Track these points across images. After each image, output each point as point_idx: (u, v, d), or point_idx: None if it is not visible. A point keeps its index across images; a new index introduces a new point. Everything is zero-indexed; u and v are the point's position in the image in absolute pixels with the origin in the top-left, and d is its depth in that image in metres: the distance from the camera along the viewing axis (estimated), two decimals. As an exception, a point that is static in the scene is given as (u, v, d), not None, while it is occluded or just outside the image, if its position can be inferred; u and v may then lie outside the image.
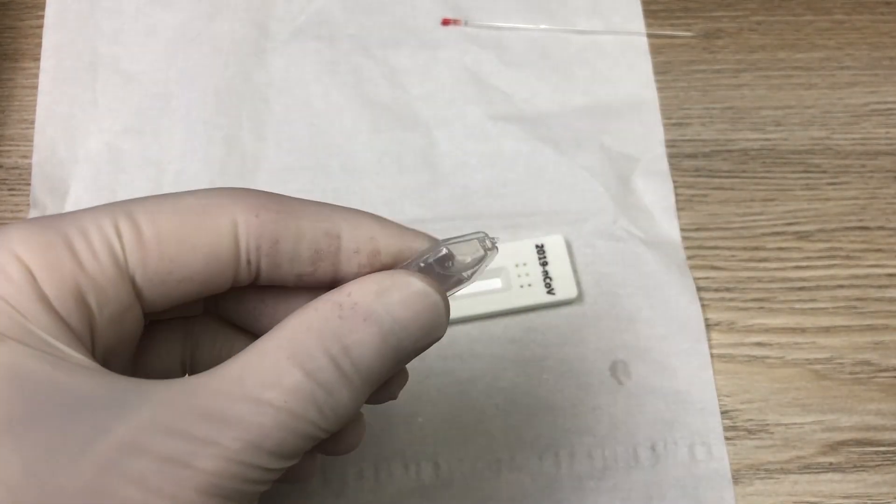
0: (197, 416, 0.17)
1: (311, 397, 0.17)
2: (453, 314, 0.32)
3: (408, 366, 0.32)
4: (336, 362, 0.18)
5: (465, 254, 0.20)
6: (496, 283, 0.34)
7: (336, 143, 0.37)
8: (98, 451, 0.16)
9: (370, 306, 0.18)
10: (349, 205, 0.34)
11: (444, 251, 0.20)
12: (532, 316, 0.34)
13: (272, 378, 0.17)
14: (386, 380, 0.19)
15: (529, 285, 0.34)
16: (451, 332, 0.34)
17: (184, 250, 0.19)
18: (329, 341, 0.18)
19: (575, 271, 0.34)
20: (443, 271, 0.20)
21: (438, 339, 0.20)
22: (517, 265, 0.34)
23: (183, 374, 0.23)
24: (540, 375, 0.33)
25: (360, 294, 0.18)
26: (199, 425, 0.17)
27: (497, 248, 0.21)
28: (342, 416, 0.18)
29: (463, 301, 0.33)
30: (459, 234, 0.34)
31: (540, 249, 0.34)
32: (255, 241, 0.19)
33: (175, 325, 0.23)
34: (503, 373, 0.33)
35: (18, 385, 0.17)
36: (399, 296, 0.19)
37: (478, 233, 0.21)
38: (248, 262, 0.19)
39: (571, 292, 0.33)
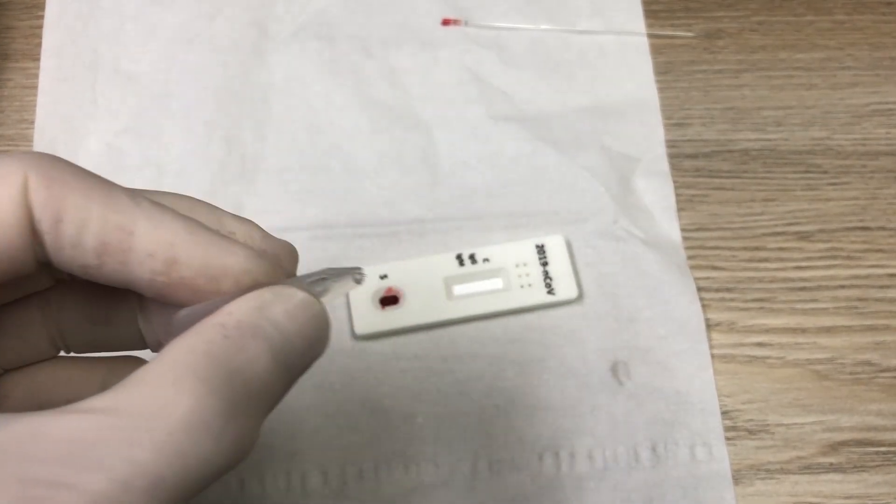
0: (52, 456, 0.14)
1: (203, 427, 0.15)
2: (454, 313, 0.33)
3: (408, 366, 0.32)
4: (228, 385, 0.16)
5: (339, 286, 0.20)
6: (497, 283, 0.34)
7: (336, 143, 0.37)
8: None
9: (255, 322, 0.17)
10: (349, 206, 0.36)
11: (325, 281, 0.19)
12: (532, 316, 0.34)
13: (155, 408, 0.15)
14: (285, 395, 0.18)
15: (530, 285, 0.34)
16: (451, 332, 0.34)
17: None
18: (217, 363, 0.16)
19: (575, 271, 0.34)
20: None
21: (324, 350, 0.19)
22: (517, 265, 0.34)
23: (57, 353, 0.21)
24: (540, 375, 0.33)
25: (242, 311, 0.17)
26: (52, 466, 0.14)
27: (361, 284, 0.21)
28: (240, 447, 0.16)
29: (463, 301, 0.34)
30: (458, 232, 0.35)
31: (540, 249, 0.34)
32: (39, 215, 0.17)
33: (28, 305, 0.21)
34: (503, 373, 0.33)
35: None
36: (283, 308, 0.17)
37: (356, 268, 0.20)
38: (36, 235, 0.17)
39: (572, 293, 0.33)
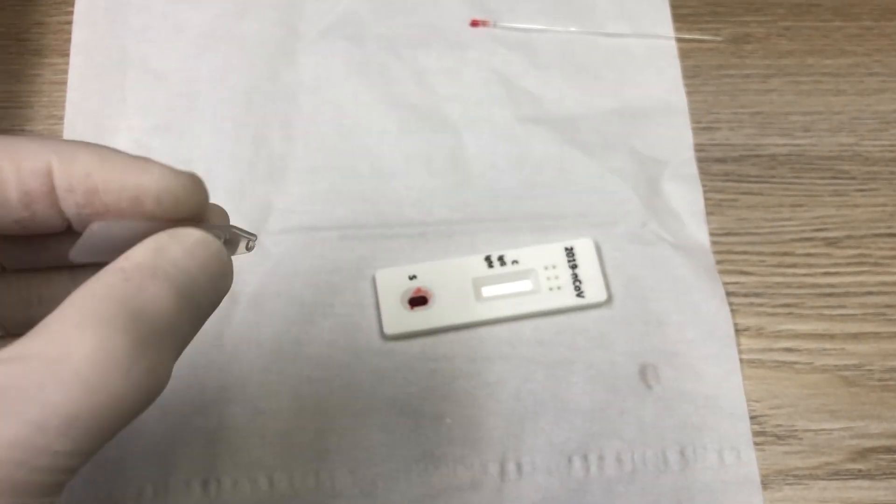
0: None
1: (111, 364, 0.16)
2: (483, 315, 0.33)
3: (437, 366, 0.33)
4: (132, 323, 0.16)
5: (234, 244, 0.20)
6: (526, 285, 0.34)
7: (364, 143, 0.37)
8: None
9: (153, 263, 0.17)
10: (377, 206, 0.36)
11: (229, 234, 0.20)
12: (561, 318, 0.34)
13: (59, 350, 0.15)
14: (194, 334, 0.18)
15: (559, 288, 0.34)
16: (480, 333, 0.34)
17: None
18: (119, 303, 0.16)
19: (604, 274, 0.34)
20: None
21: (228, 289, 0.19)
22: (546, 268, 0.34)
23: None
24: (569, 378, 0.33)
25: (140, 255, 0.17)
26: None
27: (251, 250, 0.21)
28: (153, 383, 0.16)
29: (492, 303, 0.34)
30: (486, 234, 0.35)
31: (569, 252, 0.34)
32: None
33: None
34: (532, 375, 0.33)
35: None
36: (181, 247, 0.18)
37: (252, 235, 0.21)
38: None
39: (601, 295, 0.34)
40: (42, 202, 0.18)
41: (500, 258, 0.34)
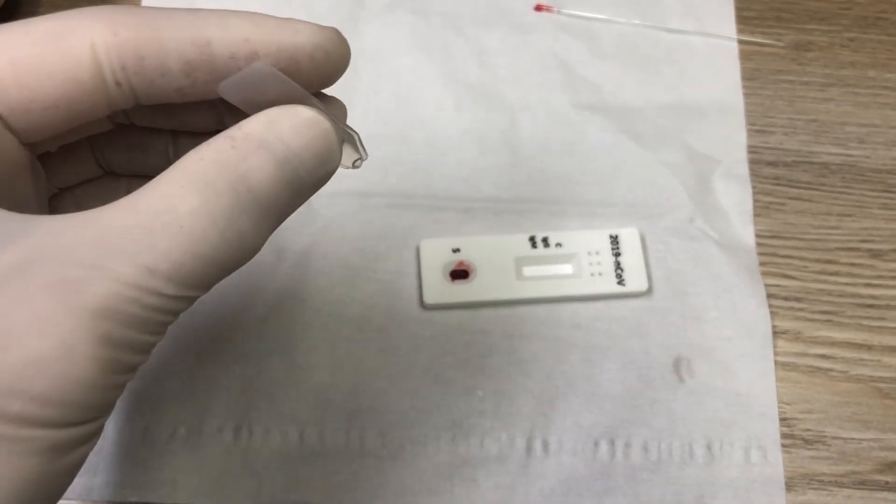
0: (87, 244, 0.16)
1: (210, 221, 0.17)
2: (523, 294, 0.35)
3: (472, 339, 0.33)
4: (233, 188, 0.18)
5: (350, 145, 0.21)
6: (567, 268, 0.34)
7: (421, 116, 0.38)
8: None
9: (261, 135, 0.18)
10: (428, 178, 0.37)
11: (342, 132, 0.20)
12: (600, 305, 0.34)
13: (166, 205, 0.17)
14: (292, 211, 0.19)
15: (600, 274, 0.34)
16: (518, 311, 0.34)
17: (41, 77, 0.18)
18: (223, 169, 0.18)
19: (647, 265, 0.34)
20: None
21: (333, 170, 0.20)
22: (589, 253, 0.34)
23: (103, 174, 0.24)
24: (603, 363, 0.33)
25: (251, 126, 0.18)
26: (88, 252, 0.16)
27: (357, 167, 0.22)
28: (247, 245, 0.18)
29: (532, 283, 0.34)
30: (533, 215, 0.35)
31: (614, 240, 0.34)
32: (119, 61, 0.18)
33: (84, 148, 0.23)
34: (566, 356, 0.33)
35: None
36: (289, 124, 0.19)
37: (363, 148, 0.21)
38: (118, 83, 0.18)
39: (642, 285, 0.34)
40: (203, 70, 0.19)
41: (545, 240, 0.34)
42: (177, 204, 0.17)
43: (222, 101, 0.19)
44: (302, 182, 0.19)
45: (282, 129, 0.18)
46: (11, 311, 0.16)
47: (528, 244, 0.34)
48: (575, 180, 0.36)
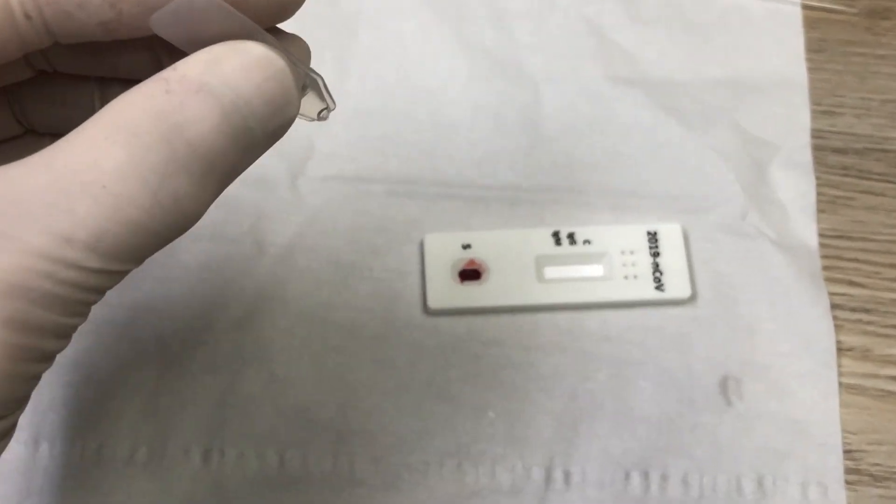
0: None
1: (139, 181, 0.17)
2: (544, 298, 0.34)
3: (483, 351, 0.34)
4: (167, 141, 0.17)
5: (315, 92, 0.21)
6: (597, 269, 0.34)
7: (427, 88, 0.38)
8: None
9: (201, 77, 0.18)
10: (434, 161, 0.37)
11: (302, 75, 0.20)
12: (634, 313, 0.34)
13: (87, 160, 0.17)
14: (240, 171, 0.19)
15: (635, 277, 0.34)
16: (538, 319, 0.34)
17: None
18: (156, 118, 0.17)
19: (690, 267, 0.35)
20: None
21: (290, 120, 0.19)
22: (623, 252, 0.34)
23: (23, 132, 0.24)
24: (636, 382, 0.33)
25: (189, 66, 0.18)
26: None
27: (323, 119, 0.21)
28: (185, 209, 0.18)
29: (555, 286, 0.34)
30: (556, 206, 0.36)
31: (652, 237, 0.35)
32: None
33: None
34: (593, 373, 0.33)
35: None
36: (236, 63, 0.18)
37: (329, 97, 0.21)
38: (27, 15, 0.18)
39: (684, 291, 0.34)
40: (128, 1, 0.18)
41: (571, 236, 0.35)
42: (99, 159, 0.17)
43: (158, 39, 0.19)
44: (252, 134, 0.19)
45: (227, 69, 0.18)
46: None
47: (552, 240, 0.35)
48: (607, 166, 0.36)
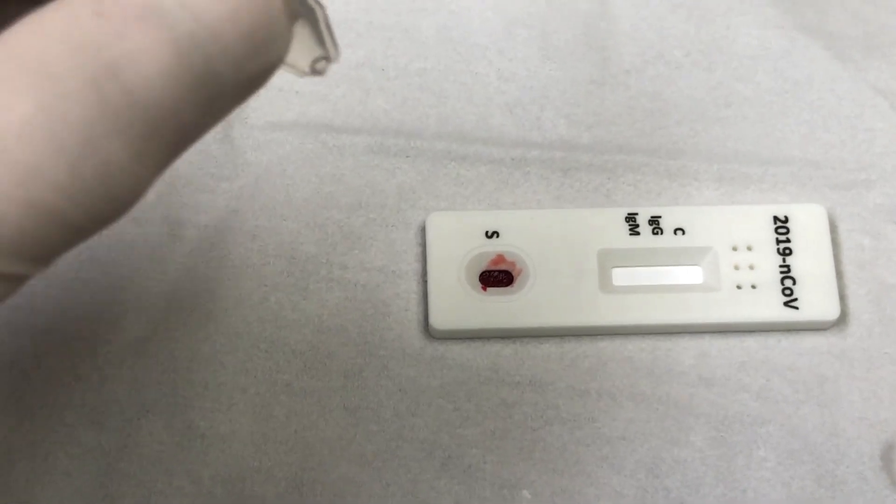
0: None
1: (53, 144, 0.17)
2: (608, 317, 0.33)
3: (515, 397, 0.33)
4: (96, 87, 0.17)
5: (312, 29, 0.20)
6: (695, 274, 0.34)
7: (436, -11, 0.37)
8: None
9: None
10: (444, 105, 0.37)
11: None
12: (752, 343, 0.33)
13: None
14: (199, 134, 0.19)
15: (753, 287, 0.33)
16: (599, 349, 0.33)
17: None
18: (80, 53, 0.17)
19: (839, 273, 0.33)
20: None
21: (274, 65, 0.19)
22: (735, 248, 0.33)
23: None
24: (751, 449, 0.32)
25: None
26: None
27: (318, 72, 0.21)
28: (119, 186, 0.18)
29: (628, 297, 0.33)
30: (633, 175, 0.35)
31: (781, 225, 0.33)
32: None
33: None
34: (685, 435, 0.32)
35: None
36: None
37: (333, 41, 0.21)
38: None
39: (829, 310, 0.33)
40: None
41: (654, 221, 0.33)
42: (1, 115, 0.17)
43: None
44: (218, 80, 0.18)
45: None
46: None
47: (625, 227, 0.33)
48: (712, 115, 0.36)
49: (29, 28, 0.18)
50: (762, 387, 0.32)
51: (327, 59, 0.21)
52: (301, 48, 0.20)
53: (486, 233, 0.33)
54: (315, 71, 0.21)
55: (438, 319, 0.32)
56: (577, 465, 0.32)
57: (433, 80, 0.36)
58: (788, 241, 0.33)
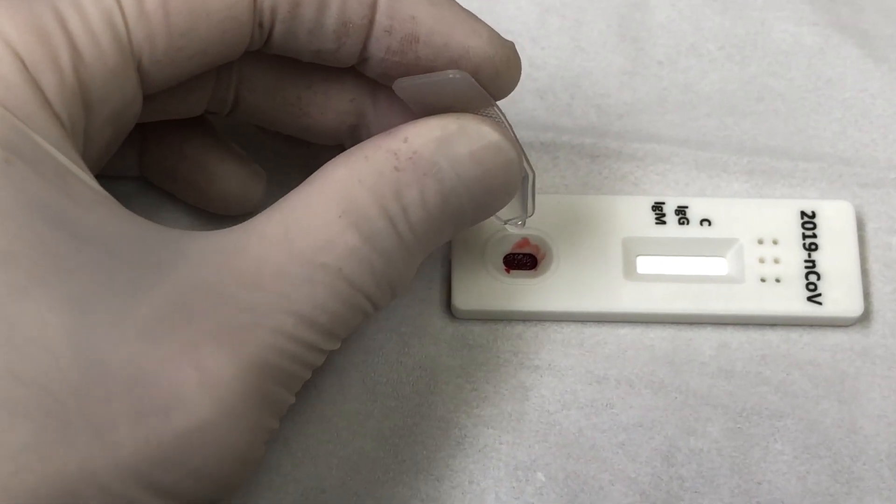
0: (243, 284, 0.22)
1: (367, 264, 0.23)
2: (632, 304, 0.34)
3: (535, 380, 0.33)
4: (394, 225, 0.23)
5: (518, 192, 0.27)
6: (719, 265, 0.34)
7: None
8: (139, 315, 0.21)
9: (432, 157, 0.23)
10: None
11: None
12: (773, 336, 0.33)
13: (324, 239, 0.23)
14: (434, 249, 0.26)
15: (778, 281, 0.33)
16: (620, 336, 0.33)
17: (197, 20, 0.23)
18: (386, 200, 0.23)
19: (864, 270, 0.33)
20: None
21: (500, 209, 0.26)
22: (761, 241, 0.33)
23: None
24: (769, 443, 0.32)
25: (420, 141, 0.24)
26: (246, 294, 0.22)
27: (512, 226, 0.29)
28: (395, 288, 0.24)
29: (652, 286, 0.33)
30: (661, 164, 0.35)
31: (808, 221, 0.33)
32: (272, 1, 0.24)
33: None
34: (703, 426, 0.32)
35: (37, 227, 0.21)
36: (468, 148, 0.24)
37: (522, 214, 0.28)
38: (260, 24, 0.24)
39: (853, 307, 0.32)
40: (354, 37, 0.24)
41: (681, 211, 0.33)
42: (336, 240, 0.23)
43: (359, 73, 0.26)
44: (463, 219, 0.25)
45: (459, 153, 0.24)
46: (176, 363, 0.21)
47: (651, 216, 0.33)
48: (743, 109, 0.36)
49: (346, 171, 0.23)
50: (782, 381, 0.32)
51: (521, 219, 0.26)
52: (511, 203, 0.26)
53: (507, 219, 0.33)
54: (509, 225, 0.27)
55: (461, 300, 0.32)
56: (592, 450, 0.32)
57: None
58: (815, 236, 0.33)
